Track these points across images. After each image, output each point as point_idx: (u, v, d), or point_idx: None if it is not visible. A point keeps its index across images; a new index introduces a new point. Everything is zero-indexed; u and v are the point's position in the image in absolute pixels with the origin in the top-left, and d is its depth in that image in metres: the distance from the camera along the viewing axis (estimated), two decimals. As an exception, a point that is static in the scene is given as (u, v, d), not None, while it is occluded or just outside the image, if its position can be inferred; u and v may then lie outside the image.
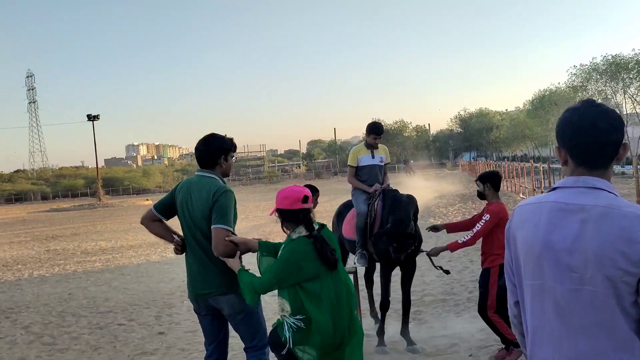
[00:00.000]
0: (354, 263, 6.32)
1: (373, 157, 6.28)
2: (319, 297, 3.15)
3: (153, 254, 15.34)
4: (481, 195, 5.25)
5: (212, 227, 3.44)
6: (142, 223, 3.83)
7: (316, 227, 3.25)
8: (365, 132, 6.40)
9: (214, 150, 3.64)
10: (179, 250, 3.71)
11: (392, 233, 5.48)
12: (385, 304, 5.89)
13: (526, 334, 1.73)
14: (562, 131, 1.67)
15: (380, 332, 5.86)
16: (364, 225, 6.05)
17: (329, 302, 3.16)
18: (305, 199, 3.20)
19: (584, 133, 1.61)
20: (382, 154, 6.37)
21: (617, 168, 13.91)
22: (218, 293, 3.55)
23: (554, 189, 1.70)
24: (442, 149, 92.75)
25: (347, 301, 3.24)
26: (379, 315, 6.24)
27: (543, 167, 20.36)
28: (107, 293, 10.21)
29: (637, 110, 36.28)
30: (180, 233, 3.73)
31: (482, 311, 5.08)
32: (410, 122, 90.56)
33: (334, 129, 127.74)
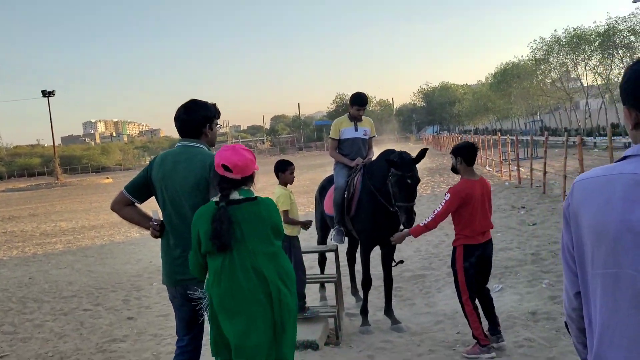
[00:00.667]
0: (330, 239, 6.08)
1: (356, 129, 5.99)
2: (219, 276, 2.85)
3: (117, 234, 14.81)
4: (454, 170, 4.84)
5: (213, 199, 3.11)
6: (112, 209, 3.41)
7: (238, 196, 2.88)
8: (349, 104, 6.07)
9: (198, 118, 3.28)
10: (158, 232, 3.30)
11: (394, 161, 5.03)
12: (367, 282, 5.68)
13: (591, 332, 1.46)
14: (633, 88, 1.39)
15: (364, 311, 5.65)
16: (342, 201, 5.79)
17: (229, 288, 2.82)
18: (225, 168, 2.87)
19: None
20: (367, 126, 6.08)
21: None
22: (200, 279, 3.16)
23: (625, 157, 1.41)
24: (406, 122, 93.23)
25: (254, 300, 2.83)
26: (361, 294, 6.03)
27: (511, 139, 20.46)
28: (70, 276, 9.73)
29: (598, 83, 36.88)
30: (150, 213, 3.34)
31: (457, 292, 4.81)
32: (375, 97, 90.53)
33: (298, 103, 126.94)
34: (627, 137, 28.18)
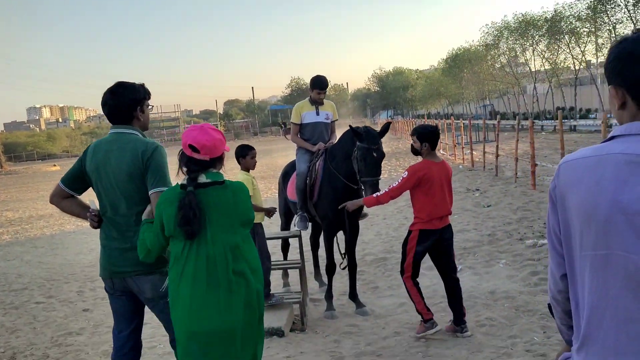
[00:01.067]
0: (293, 225, 6.03)
1: (317, 113, 5.92)
2: (179, 261, 2.70)
3: (67, 223, 14.31)
4: (415, 151, 4.76)
5: (151, 191, 2.95)
6: (51, 202, 3.23)
7: (204, 179, 2.72)
8: (309, 88, 5.98)
9: (127, 101, 3.07)
10: (96, 223, 3.13)
11: (360, 133, 5.05)
12: (331, 268, 5.67)
13: (578, 314, 1.46)
14: (620, 66, 1.37)
15: (329, 296, 5.64)
16: (304, 187, 5.75)
17: (190, 275, 2.66)
18: (192, 148, 2.71)
19: None
20: (328, 110, 6.02)
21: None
22: (140, 272, 3.03)
23: (612, 138, 1.39)
24: (360, 107, 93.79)
25: (213, 287, 2.67)
26: (325, 280, 6.03)
27: (464, 124, 20.83)
28: (20, 268, 9.34)
29: (545, 68, 37.95)
30: (87, 204, 3.17)
31: (401, 270, 4.81)
32: (329, 81, 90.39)
33: (252, 88, 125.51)
34: (572, 120, 29.16)
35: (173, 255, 2.76)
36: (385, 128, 5.33)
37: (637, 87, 1.35)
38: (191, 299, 2.65)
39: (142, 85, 3.18)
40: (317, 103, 5.92)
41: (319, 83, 5.82)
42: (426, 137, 4.61)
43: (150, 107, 3.22)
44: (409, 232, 4.73)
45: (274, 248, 8.35)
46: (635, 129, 1.35)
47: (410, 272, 4.67)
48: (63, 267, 9.15)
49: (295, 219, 5.93)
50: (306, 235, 6.93)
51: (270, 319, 4.96)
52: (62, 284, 7.96)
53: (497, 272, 6.32)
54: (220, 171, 2.86)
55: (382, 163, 5.21)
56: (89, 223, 3.15)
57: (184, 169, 2.77)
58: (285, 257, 6.75)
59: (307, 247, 6.69)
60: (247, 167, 5.28)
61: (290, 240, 6.71)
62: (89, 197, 3.18)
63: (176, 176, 2.88)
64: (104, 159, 3.04)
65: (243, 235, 2.77)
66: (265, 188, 17.51)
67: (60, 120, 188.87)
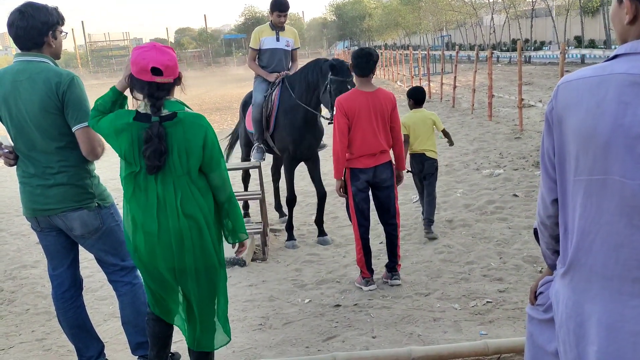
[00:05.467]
0: (251, 157, 5.93)
1: (278, 39, 5.68)
2: (132, 194, 2.53)
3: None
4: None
5: (75, 128, 2.76)
6: None
7: (165, 112, 2.46)
8: (269, 10, 5.67)
9: (37, 25, 2.75)
10: (12, 160, 2.90)
11: (336, 65, 4.88)
12: (291, 200, 5.65)
13: (566, 238, 1.45)
14: None
15: (289, 227, 5.65)
16: (260, 117, 5.61)
17: (140, 210, 2.52)
18: (155, 71, 2.40)
19: None
20: (290, 37, 5.78)
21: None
22: (66, 209, 2.87)
23: (616, 56, 1.31)
24: (317, 38, 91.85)
25: (166, 231, 2.51)
26: (286, 211, 6.02)
27: (422, 55, 20.69)
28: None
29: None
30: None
31: (348, 215, 4.58)
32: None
33: (204, 15, 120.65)
34: (528, 51, 29.43)
35: (124, 181, 2.55)
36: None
37: None
38: (145, 238, 2.54)
39: (56, 9, 2.87)
40: (277, 28, 5.66)
41: (279, 5, 5.50)
42: (353, 63, 4.18)
43: (64, 34, 2.92)
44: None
45: (233, 179, 8.26)
46: None
47: (355, 219, 4.30)
48: (12, 200, 8.82)
49: (253, 150, 5.83)
50: (267, 166, 6.86)
51: (232, 249, 4.93)
52: (13, 217, 7.70)
53: (454, 202, 6.45)
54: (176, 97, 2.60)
55: None
56: (2, 161, 2.92)
57: (144, 97, 2.48)
58: (245, 188, 6.68)
59: (267, 177, 6.62)
60: None
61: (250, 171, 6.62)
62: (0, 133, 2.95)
63: (131, 107, 2.64)
64: (12, 91, 2.76)
65: (198, 184, 2.54)
66: (221, 120, 17.19)
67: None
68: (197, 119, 2.50)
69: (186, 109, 2.55)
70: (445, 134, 5.82)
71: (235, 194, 6.48)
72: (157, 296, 2.75)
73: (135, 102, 2.61)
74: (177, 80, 2.57)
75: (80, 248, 3.15)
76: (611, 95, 1.27)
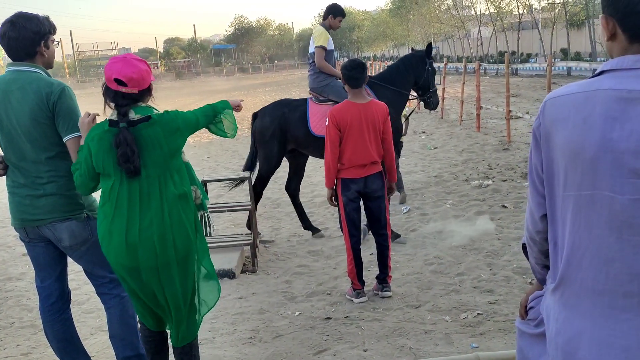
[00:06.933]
0: None
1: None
2: (112, 201, 2.64)
3: None
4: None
5: (66, 138, 2.76)
6: None
7: (135, 116, 2.61)
8: (329, 15, 5.80)
9: (29, 35, 2.76)
10: (2, 170, 2.90)
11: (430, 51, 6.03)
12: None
13: (556, 254, 1.44)
14: None
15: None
16: None
17: (124, 213, 2.62)
18: (118, 82, 2.56)
19: None
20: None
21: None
22: (54, 219, 2.85)
23: (602, 72, 1.33)
24: (306, 48, 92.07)
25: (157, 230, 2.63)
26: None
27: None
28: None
29: (490, 11, 38.18)
30: None
31: (340, 226, 4.62)
32: (274, 20, 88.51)
33: (194, 25, 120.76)
34: (515, 64, 29.71)
35: (103, 193, 2.67)
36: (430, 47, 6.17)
37: (628, 18, 1.28)
38: (127, 237, 2.60)
39: (47, 18, 2.88)
40: (331, 32, 5.84)
41: (343, 11, 5.83)
42: (343, 76, 4.19)
43: (55, 43, 2.93)
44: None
45: (220, 190, 8.23)
46: (627, 63, 1.29)
47: (347, 230, 4.30)
48: (-2, 211, 8.71)
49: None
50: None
51: (221, 261, 4.90)
52: (-2, 229, 7.59)
53: (444, 213, 6.46)
54: (150, 103, 2.75)
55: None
56: None
57: (112, 105, 2.63)
58: (256, 202, 6.15)
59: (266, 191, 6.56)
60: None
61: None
62: None
63: (103, 113, 2.72)
64: (3, 100, 2.76)
65: (176, 164, 2.72)
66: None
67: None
68: (170, 114, 2.71)
69: (155, 111, 2.71)
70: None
71: (225, 205, 6.46)
72: (145, 306, 2.79)
73: (109, 110, 2.73)
74: (146, 90, 2.68)
75: (68, 260, 3.11)
76: (598, 111, 1.28)
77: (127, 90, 2.58)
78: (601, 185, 1.29)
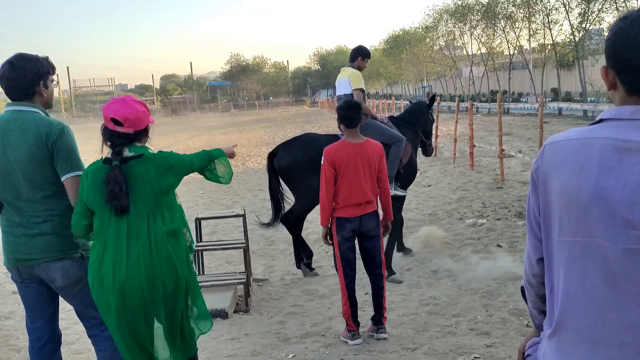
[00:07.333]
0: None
1: None
2: (102, 239, 2.69)
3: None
4: None
5: (64, 177, 2.78)
6: None
7: (128, 153, 2.69)
8: (358, 57, 6.01)
9: (29, 75, 2.81)
10: None
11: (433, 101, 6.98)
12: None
13: (553, 299, 1.42)
14: (613, 47, 1.31)
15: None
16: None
17: (112, 251, 2.66)
18: (115, 122, 2.67)
19: None
20: None
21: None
22: (49, 259, 2.83)
23: (601, 120, 1.34)
24: (301, 86, 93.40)
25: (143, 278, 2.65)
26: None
27: (405, 104, 21.09)
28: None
29: (482, 51, 38.94)
30: None
31: (334, 265, 4.56)
32: (270, 59, 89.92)
33: (190, 63, 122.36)
34: (506, 103, 30.17)
35: (95, 231, 2.73)
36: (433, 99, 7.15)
37: (626, 72, 1.30)
38: (114, 276, 2.63)
39: (46, 59, 2.93)
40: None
41: (370, 53, 6.14)
42: (339, 116, 4.25)
43: (55, 82, 2.98)
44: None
45: (213, 227, 8.18)
46: (625, 114, 1.30)
47: (341, 270, 4.26)
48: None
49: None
50: (250, 214, 6.79)
51: (214, 301, 4.83)
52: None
53: (439, 251, 6.43)
54: (147, 144, 2.83)
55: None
56: None
57: (108, 143, 2.73)
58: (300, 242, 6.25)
59: (250, 225, 6.53)
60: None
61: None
62: None
63: (101, 152, 2.79)
64: (1, 140, 2.78)
65: (167, 202, 2.77)
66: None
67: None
68: (163, 153, 2.80)
69: (150, 151, 2.80)
70: None
71: (218, 242, 6.40)
72: (129, 346, 2.77)
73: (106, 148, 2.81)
74: (142, 131, 2.78)
75: (59, 299, 3.07)
76: (594, 159, 1.29)
77: (123, 130, 2.67)
78: (595, 233, 1.28)
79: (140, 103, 2.77)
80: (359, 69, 5.98)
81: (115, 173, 2.62)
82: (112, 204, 2.61)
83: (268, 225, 6.33)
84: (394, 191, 5.72)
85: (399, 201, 5.93)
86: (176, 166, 2.79)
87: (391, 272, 5.55)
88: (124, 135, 2.68)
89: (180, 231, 2.78)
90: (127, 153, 2.68)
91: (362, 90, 5.81)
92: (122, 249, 2.64)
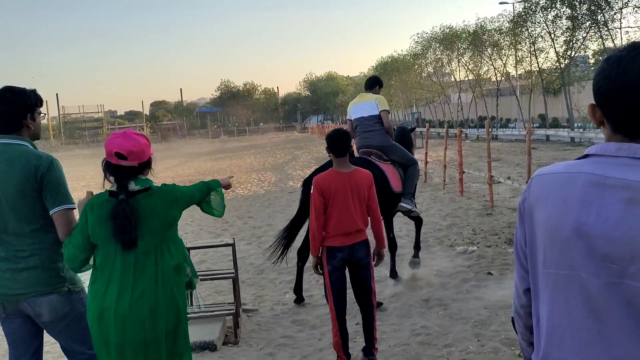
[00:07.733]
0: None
1: None
2: (107, 273, 2.65)
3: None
4: None
5: (53, 211, 2.75)
6: None
7: (134, 187, 2.67)
8: (376, 86, 6.64)
9: (16, 109, 2.82)
10: None
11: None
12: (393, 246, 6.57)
13: (539, 331, 1.42)
14: (597, 86, 1.33)
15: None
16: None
17: (116, 285, 2.61)
18: (119, 156, 2.66)
19: (627, 91, 1.26)
20: None
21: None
22: (35, 293, 2.78)
23: (587, 156, 1.36)
24: (291, 111, 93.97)
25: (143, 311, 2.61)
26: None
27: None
28: None
29: (469, 78, 39.52)
30: None
31: (325, 295, 4.44)
32: (260, 85, 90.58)
33: (180, 89, 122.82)
34: (494, 129, 30.43)
35: (98, 265, 2.67)
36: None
37: (610, 111, 1.32)
38: (116, 309, 2.58)
39: (34, 91, 2.93)
40: None
41: (382, 81, 6.83)
42: (329, 145, 4.20)
43: (42, 115, 2.98)
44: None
45: (202, 256, 8.09)
46: (609, 151, 1.32)
47: (332, 300, 4.19)
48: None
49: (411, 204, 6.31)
50: (240, 241, 6.72)
51: (202, 333, 4.75)
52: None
53: (430, 280, 6.39)
54: (149, 176, 2.83)
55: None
56: None
57: (112, 178, 2.70)
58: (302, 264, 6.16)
59: (240, 254, 6.46)
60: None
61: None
62: None
63: (102, 188, 2.76)
64: None
65: (171, 236, 2.78)
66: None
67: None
68: (168, 186, 2.81)
69: (154, 184, 2.80)
70: None
71: (207, 272, 6.33)
72: None
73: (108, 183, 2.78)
74: (146, 163, 2.77)
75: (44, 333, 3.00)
76: (577, 194, 1.30)
77: (127, 164, 2.66)
78: (578, 267, 1.29)
79: (141, 135, 2.77)
80: (376, 94, 6.50)
81: (123, 207, 2.60)
82: (122, 239, 2.59)
83: (275, 262, 6.23)
84: (414, 208, 6.35)
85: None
86: (180, 199, 2.80)
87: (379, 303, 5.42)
88: (128, 168, 2.68)
89: (182, 266, 2.78)
90: (133, 186, 2.67)
91: (388, 112, 6.49)
92: (127, 283, 2.61)
